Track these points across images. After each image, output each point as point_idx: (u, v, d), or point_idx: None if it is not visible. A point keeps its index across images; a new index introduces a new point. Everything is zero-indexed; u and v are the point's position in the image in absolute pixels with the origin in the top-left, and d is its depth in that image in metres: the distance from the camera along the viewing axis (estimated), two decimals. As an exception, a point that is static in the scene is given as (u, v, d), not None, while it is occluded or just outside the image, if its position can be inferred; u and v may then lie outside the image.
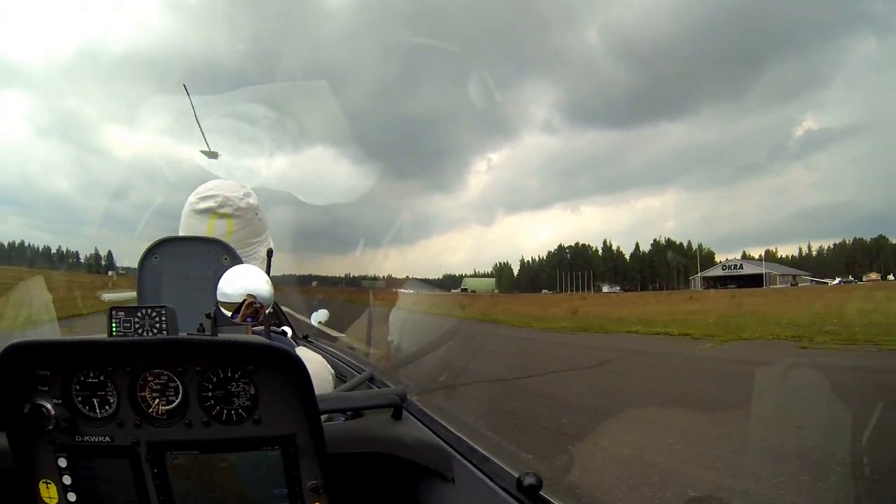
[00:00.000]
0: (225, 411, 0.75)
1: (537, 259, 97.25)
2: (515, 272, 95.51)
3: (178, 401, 0.75)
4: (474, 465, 0.98)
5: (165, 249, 1.09)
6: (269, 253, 1.20)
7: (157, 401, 0.75)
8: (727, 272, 61.69)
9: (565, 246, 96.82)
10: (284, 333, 1.45)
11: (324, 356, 1.65)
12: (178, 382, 0.75)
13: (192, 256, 1.08)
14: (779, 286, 51.67)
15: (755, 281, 55.05)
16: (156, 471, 0.75)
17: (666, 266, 78.74)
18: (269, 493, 0.77)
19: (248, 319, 0.89)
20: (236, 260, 1.07)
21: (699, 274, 67.03)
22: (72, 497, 0.75)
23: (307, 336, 2.54)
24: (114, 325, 0.72)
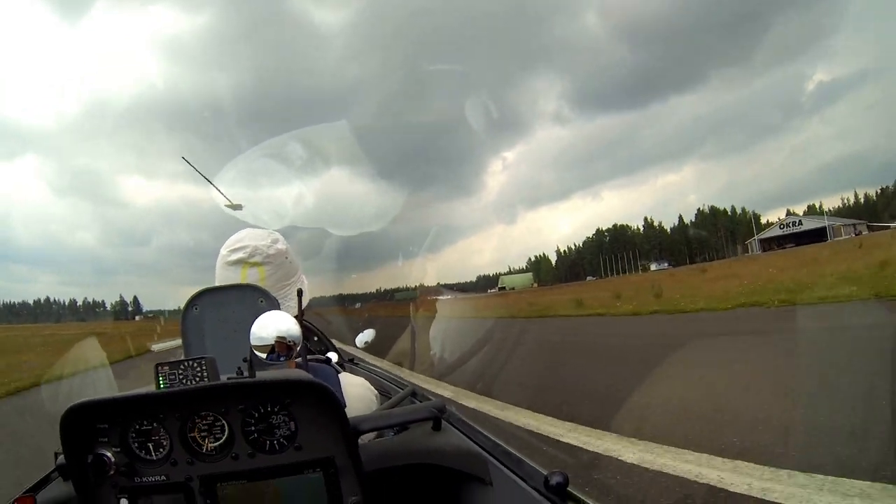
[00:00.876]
0: (268, 442, 0.82)
1: (574, 247, 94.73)
2: (553, 263, 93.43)
3: (224, 437, 0.82)
4: (508, 468, 1.01)
5: (204, 300, 1.16)
6: (300, 293, 1.21)
7: (206, 439, 0.82)
8: (786, 230, 57.92)
9: (603, 229, 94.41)
10: (328, 360, 1.56)
11: (368, 377, 1.78)
12: (224, 421, 0.82)
13: (230, 303, 1.15)
14: (843, 237, 48.11)
15: (818, 236, 51.61)
16: (208, 501, 0.81)
17: (715, 235, 74.59)
18: None
19: (282, 357, 0.96)
20: (272, 301, 1.14)
21: (756, 237, 63.21)
22: None
23: (353, 359, 2.64)
24: (160, 379, 0.80)
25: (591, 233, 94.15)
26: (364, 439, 1.02)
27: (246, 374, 0.86)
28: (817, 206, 68.77)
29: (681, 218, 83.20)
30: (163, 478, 0.82)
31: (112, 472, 0.81)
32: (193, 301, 1.16)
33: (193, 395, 0.79)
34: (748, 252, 60.93)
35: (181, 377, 0.80)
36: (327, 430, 0.82)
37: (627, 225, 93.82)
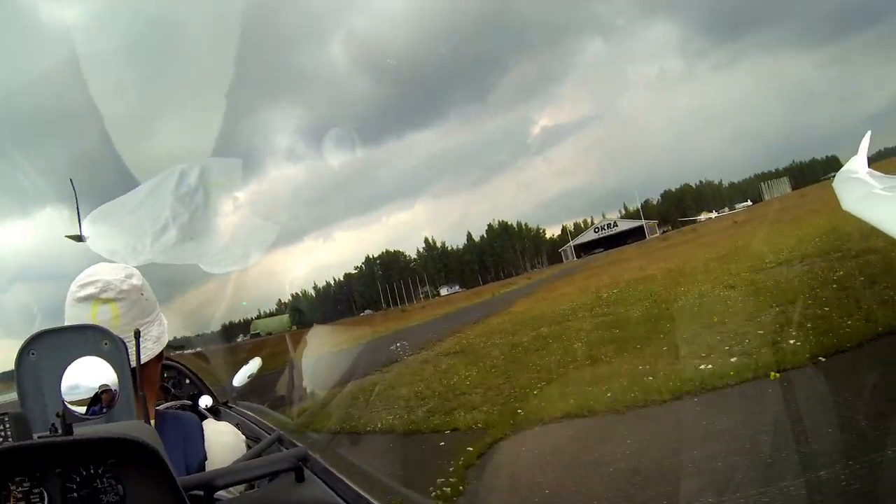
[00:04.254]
0: None
1: (334, 281, 79.65)
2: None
3: None
4: None
5: (42, 344, 1.02)
6: (137, 334, 1.04)
7: None
8: (601, 234, 55.63)
9: (374, 256, 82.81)
10: (195, 406, 1.57)
11: (241, 422, 1.79)
12: (42, 488, 0.70)
13: (70, 347, 0.98)
14: (658, 234, 47.24)
15: (635, 235, 50.04)
16: None
17: (511, 251, 69.68)
18: None
19: (104, 409, 0.83)
20: (117, 344, 1.01)
21: (571, 243, 59.79)
22: None
23: (227, 402, 2.56)
24: None
25: (369, 257, 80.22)
26: (232, 492, 1.02)
27: (60, 431, 0.73)
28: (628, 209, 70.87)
29: (469, 236, 76.80)
30: None
31: None
32: (28, 345, 1.01)
33: None
34: (564, 260, 56.59)
35: None
36: (161, 494, 0.70)
37: (400, 251, 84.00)
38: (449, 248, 78.39)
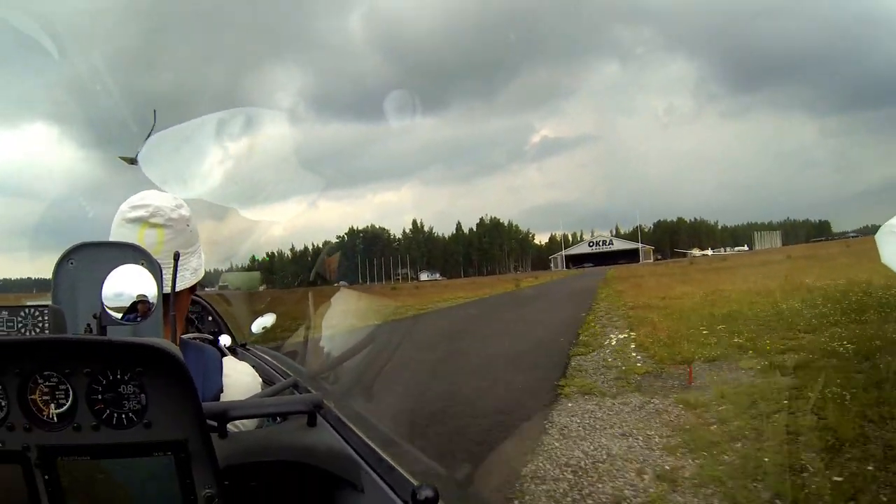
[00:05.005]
0: (115, 415, 0.71)
1: (313, 247, 77.80)
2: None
3: (67, 404, 0.71)
4: (379, 475, 0.99)
5: (81, 255, 1.04)
6: (176, 257, 1.07)
7: (47, 405, 0.71)
8: (595, 249, 55.38)
9: (358, 229, 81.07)
10: (216, 342, 1.53)
11: (257, 364, 1.77)
12: (68, 385, 0.71)
13: (108, 261, 0.95)
14: (652, 260, 47.45)
15: (628, 256, 50.01)
16: (47, 477, 0.71)
17: (499, 249, 69.02)
18: (163, 501, 0.72)
19: (139, 318, 0.84)
20: (154, 266, 1.01)
21: (563, 252, 59.45)
22: None
23: (245, 344, 2.54)
24: None
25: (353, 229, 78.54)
26: (241, 427, 1.02)
27: (95, 332, 0.81)
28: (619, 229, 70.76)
29: (459, 226, 75.80)
30: None
31: None
32: (69, 255, 1.03)
33: (33, 348, 0.70)
34: (553, 267, 56.19)
35: (20, 326, 0.77)
36: (181, 410, 0.71)
37: (385, 228, 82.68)
38: (436, 235, 77.41)
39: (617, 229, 69.25)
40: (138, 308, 0.83)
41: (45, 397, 0.70)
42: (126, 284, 0.83)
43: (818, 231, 63.53)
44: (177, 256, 1.07)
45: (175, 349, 0.70)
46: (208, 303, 2.61)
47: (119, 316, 0.83)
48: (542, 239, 74.27)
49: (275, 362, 2.15)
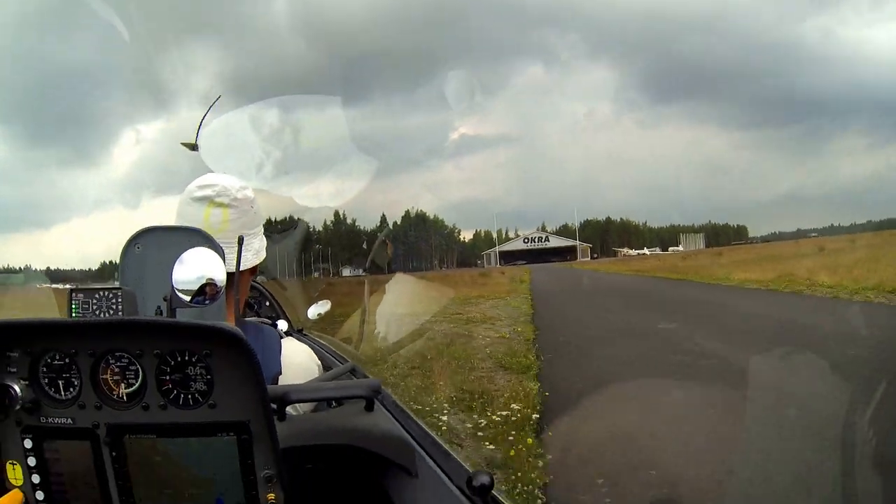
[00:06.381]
0: (182, 395, 0.74)
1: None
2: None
3: (137, 384, 0.74)
4: (435, 461, 1.00)
5: (148, 239, 1.06)
6: (240, 240, 1.11)
7: (118, 384, 0.74)
8: (531, 245, 52.86)
9: (274, 220, 73.84)
10: (275, 326, 1.53)
11: (315, 348, 1.75)
12: (138, 365, 0.74)
13: (174, 245, 0.99)
14: (589, 258, 45.98)
15: (565, 253, 47.98)
16: (114, 454, 0.74)
17: (426, 244, 64.71)
18: (224, 480, 0.74)
19: (207, 301, 0.85)
20: (216, 248, 1.01)
21: (496, 248, 56.29)
22: (36, 479, 0.76)
23: (302, 329, 2.59)
24: (73, 306, 0.78)
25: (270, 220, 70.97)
26: (299, 410, 1.03)
27: (165, 315, 0.83)
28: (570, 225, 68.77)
29: (383, 217, 70.44)
30: (69, 420, 0.75)
31: (17, 407, 0.73)
32: (136, 238, 1.05)
33: (107, 329, 0.74)
34: (488, 263, 53.03)
35: (95, 307, 0.78)
36: (245, 392, 0.73)
37: (303, 220, 75.77)
38: (360, 228, 71.73)
39: (544, 227, 68.44)
40: (206, 290, 0.83)
41: (115, 377, 0.73)
42: (196, 267, 0.84)
43: (737, 235, 66.42)
44: (240, 240, 1.09)
45: (241, 333, 0.70)
46: (265, 288, 2.65)
47: (188, 298, 0.83)
48: (466, 235, 71.66)
49: (332, 348, 2.18)
